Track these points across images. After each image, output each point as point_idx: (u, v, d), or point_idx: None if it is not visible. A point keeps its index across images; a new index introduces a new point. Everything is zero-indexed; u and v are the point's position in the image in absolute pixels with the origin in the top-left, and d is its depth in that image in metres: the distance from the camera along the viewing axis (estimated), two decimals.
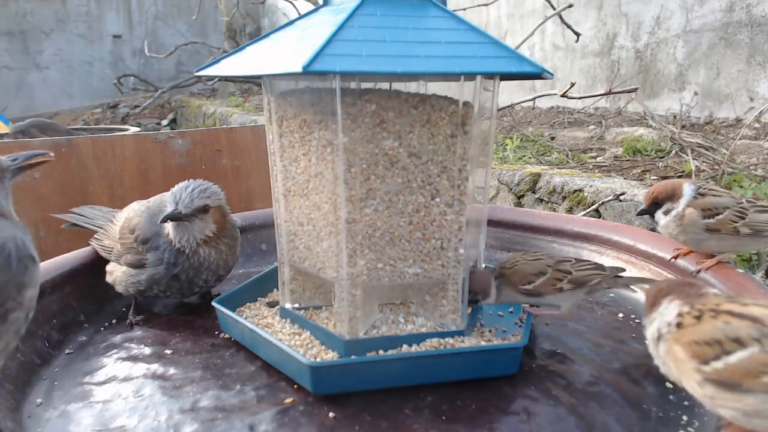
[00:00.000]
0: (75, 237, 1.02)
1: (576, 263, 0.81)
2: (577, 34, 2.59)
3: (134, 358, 0.80)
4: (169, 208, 0.87)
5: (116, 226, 0.97)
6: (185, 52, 7.27)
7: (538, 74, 0.67)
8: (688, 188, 0.83)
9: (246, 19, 7.65)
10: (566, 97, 1.83)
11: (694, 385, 0.46)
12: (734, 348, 0.43)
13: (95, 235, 1.00)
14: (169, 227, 0.90)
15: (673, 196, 0.84)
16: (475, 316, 0.83)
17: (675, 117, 3.33)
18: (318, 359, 0.73)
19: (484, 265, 0.89)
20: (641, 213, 0.87)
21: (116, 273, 0.94)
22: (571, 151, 3.19)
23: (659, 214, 0.85)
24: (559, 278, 0.78)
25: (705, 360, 0.44)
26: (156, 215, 0.91)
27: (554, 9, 2.56)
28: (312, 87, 0.73)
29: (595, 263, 0.83)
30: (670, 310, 0.50)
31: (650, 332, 0.53)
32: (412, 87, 0.71)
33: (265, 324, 0.83)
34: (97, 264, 0.97)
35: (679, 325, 0.48)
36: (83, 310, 0.93)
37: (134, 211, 0.95)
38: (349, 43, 0.61)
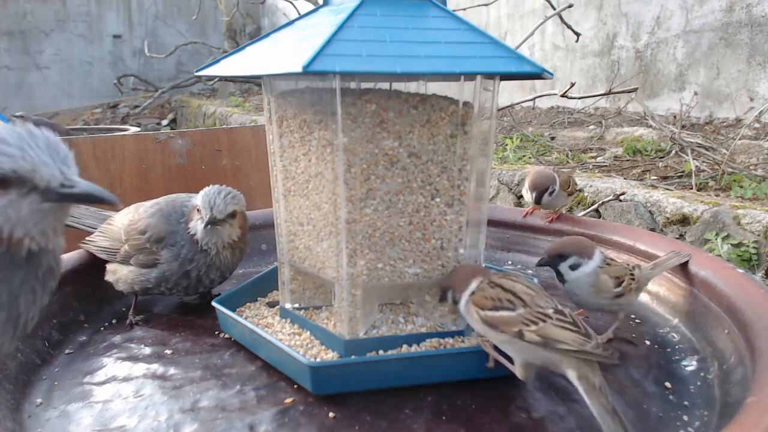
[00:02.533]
0: (75, 237, 1.02)
1: (629, 266, 0.86)
2: (577, 34, 2.60)
3: (134, 358, 0.80)
4: (204, 213, 0.89)
5: (116, 228, 0.97)
6: (185, 52, 7.27)
7: (538, 74, 0.67)
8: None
9: (246, 19, 7.65)
10: (566, 97, 1.83)
11: (475, 323, 0.70)
12: (502, 305, 0.68)
13: (87, 238, 1.00)
14: (198, 229, 0.91)
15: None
16: None
17: (675, 117, 3.33)
18: (318, 359, 0.73)
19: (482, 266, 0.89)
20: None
21: (121, 272, 0.94)
22: (571, 151, 3.19)
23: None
24: (631, 281, 0.83)
25: (482, 308, 0.69)
26: (170, 215, 0.93)
27: (554, 9, 2.56)
28: (312, 87, 0.73)
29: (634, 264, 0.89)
30: (473, 284, 0.71)
31: (463, 299, 0.71)
32: (412, 87, 0.71)
33: (265, 324, 0.83)
34: (96, 264, 0.97)
35: (474, 291, 0.71)
36: (83, 310, 0.93)
37: (140, 213, 0.96)
38: (349, 43, 0.61)
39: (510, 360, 0.69)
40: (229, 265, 0.97)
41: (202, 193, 0.92)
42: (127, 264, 0.94)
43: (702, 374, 0.73)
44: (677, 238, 2.02)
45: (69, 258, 0.96)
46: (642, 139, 3.15)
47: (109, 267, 0.97)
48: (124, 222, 0.97)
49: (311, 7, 2.55)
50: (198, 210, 0.91)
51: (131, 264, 0.94)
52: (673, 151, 2.91)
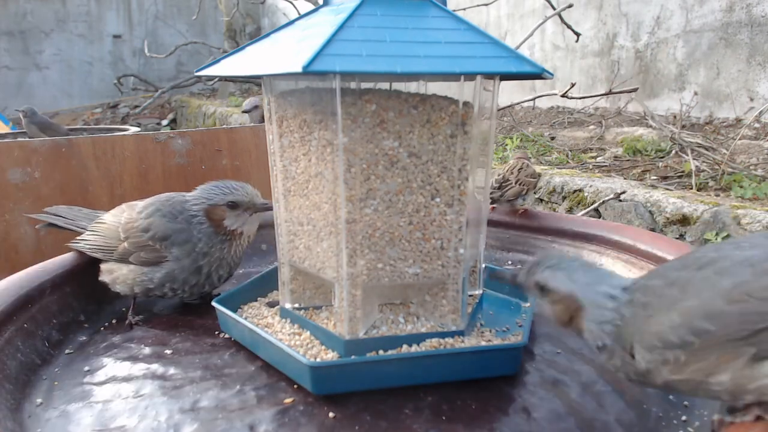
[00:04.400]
0: (70, 239, 1.02)
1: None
2: (577, 34, 2.60)
3: (134, 358, 0.80)
4: (255, 202, 0.94)
5: (111, 226, 0.97)
6: (185, 52, 7.27)
7: (538, 74, 0.67)
8: None
9: (246, 19, 7.66)
10: (566, 97, 1.83)
11: None
12: None
13: (77, 237, 0.99)
14: (243, 222, 0.95)
15: None
16: (475, 316, 0.83)
17: (675, 117, 3.33)
18: (318, 359, 0.73)
19: (484, 265, 0.90)
20: None
21: (119, 272, 0.94)
22: (571, 151, 3.20)
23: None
24: None
25: None
26: (175, 216, 0.93)
27: (554, 9, 2.56)
28: (312, 87, 0.73)
29: None
30: None
31: None
32: (412, 87, 0.71)
33: (265, 324, 0.83)
34: (95, 264, 0.97)
35: None
36: (83, 310, 0.93)
37: (137, 212, 0.96)
38: (349, 43, 0.61)
39: None
40: (236, 261, 0.99)
41: (226, 188, 0.93)
42: (126, 262, 0.93)
43: None
44: (677, 238, 2.02)
45: (69, 258, 0.96)
46: (642, 139, 3.16)
47: (105, 267, 0.96)
48: (121, 220, 0.96)
49: (311, 7, 2.55)
50: (231, 205, 0.93)
51: (131, 262, 0.93)
52: (673, 151, 2.91)
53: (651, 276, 0.58)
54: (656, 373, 0.54)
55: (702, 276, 0.53)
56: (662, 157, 2.91)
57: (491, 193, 1.20)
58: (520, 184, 1.24)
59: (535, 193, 2.57)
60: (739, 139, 2.75)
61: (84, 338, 0.87)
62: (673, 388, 0.54)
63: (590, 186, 2.36)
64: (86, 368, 0.78)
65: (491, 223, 1.20)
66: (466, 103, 0.70)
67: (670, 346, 0.52)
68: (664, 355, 0.52)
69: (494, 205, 1.27)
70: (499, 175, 1.29)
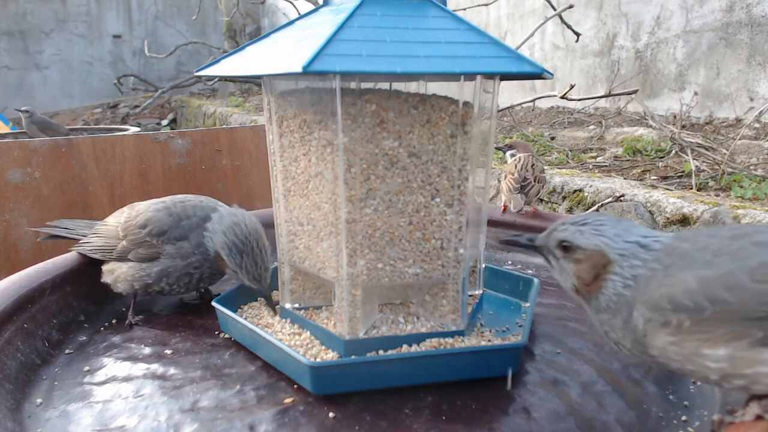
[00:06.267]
0: (70, 246, 1.02)
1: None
2: (577, 34, 2.59)
3: (134, 358, 0.80)
4: (253, 285, 0.86)
5: (112, 227, 0.97)
6: (185, 52, 7.27)
7: (538, 74, 0.67)
8: None
9: (246, 19, 7.66)
10: (566, 98, 1.83)
11: None
12: None
13: (80, 241, 1.00)
14: (239, 276, 0.88)
15: None
16: (475, 316, 0.83)
17: (675, 117, 3.33)
18: (318, 359, 0.73)
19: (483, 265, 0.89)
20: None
21: (119, 270, 0.94)
22: (571, 151, 3.20)
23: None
24: None
25: None
26: (181, 218, 0.93)
27: (554, 9, 2.56)
28: (312, 87, 0.73)
29: None
30: None
31: None
32: (412, 87, 0.71)
33: (265, 324, 0.83)
34: (95, 264, 0.97)
35: None
36: (83, 310, 0.93)
37: (138, 210, 0.97)
38: (349, 43, 0.61)
39: None
40: None
41: (245, 253, 0.85)
42: (126, 260, 0.94)
43: None
44: None
45: (69, 258, 0.96)
46: (642, 139, 3.15)
47: (106, 267, 0.96)
48: (121, 220, 0.97)
49: (311, 7, 2.55)
50: (234, 270, 0.87)
51: (130, 260, 0.94)
52: (673, 151, 2.91)
53: (679, 238, 0.56)
54: (652, 336, 0.52)
55: (738, 245, 0.51)
56: (662, 157, 2.91)
57: (516, 191, 1.23)
58: (538, 182, 1.25)
59: None
60: (739, 139, 2.75)
61: (84, 338, 0.87)
62: (666, 357, 0.53)
63: (590, 186, 2.36)
64: (86, 368, 0.78)
65: (491, 223, 1.20)
66: (466, 103, 0.70)
67: (680, 308, 0.50)
68: (667, 317, 0.51)
69: (526, 208, 1.24)
70: (516, 174, 1.27)
